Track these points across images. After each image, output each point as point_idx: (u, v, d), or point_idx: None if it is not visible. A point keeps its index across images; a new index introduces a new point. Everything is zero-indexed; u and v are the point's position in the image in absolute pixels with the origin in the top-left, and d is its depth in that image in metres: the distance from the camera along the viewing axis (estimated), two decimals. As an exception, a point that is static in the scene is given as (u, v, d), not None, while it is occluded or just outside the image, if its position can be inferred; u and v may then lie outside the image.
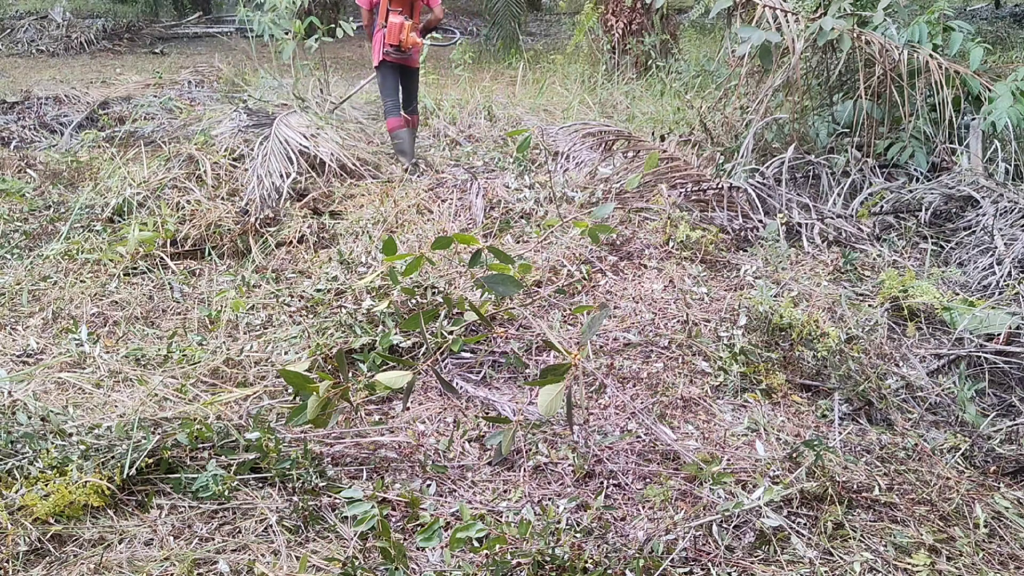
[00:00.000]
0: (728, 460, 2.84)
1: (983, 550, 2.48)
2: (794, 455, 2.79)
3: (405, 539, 2.51)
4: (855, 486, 2.72)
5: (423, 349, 3.48)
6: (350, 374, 3.25)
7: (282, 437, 2.85)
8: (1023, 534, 2.57)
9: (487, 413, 3.17)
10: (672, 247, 4.36)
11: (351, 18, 7.62)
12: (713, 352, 3.47)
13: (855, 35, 5.17)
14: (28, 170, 6.12)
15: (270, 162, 5.30)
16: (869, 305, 3.89)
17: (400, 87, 5.96)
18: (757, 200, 4.87)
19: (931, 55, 5.13)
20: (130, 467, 2.63)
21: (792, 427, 3.10)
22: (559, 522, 2.49)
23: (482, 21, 14.39)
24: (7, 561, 2.36)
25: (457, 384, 3.35)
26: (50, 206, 5.38)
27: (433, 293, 3.79)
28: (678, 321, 3.70)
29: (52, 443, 2.69)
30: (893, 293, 3.86)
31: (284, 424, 2.95)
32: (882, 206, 4.92)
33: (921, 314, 3.83)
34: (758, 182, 5.03)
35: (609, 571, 2.30)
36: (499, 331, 3.64)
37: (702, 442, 2.98)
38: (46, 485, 2.53)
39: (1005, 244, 4.26)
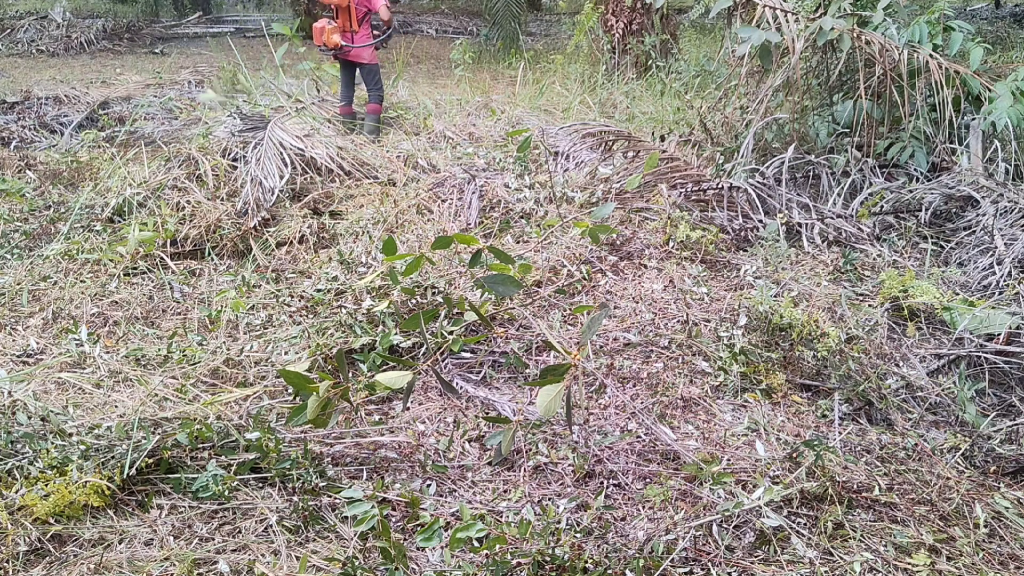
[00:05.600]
0: (728, 460, 2.84)
1: (983, 550, 2.48)
2: (794, 455, 2.79)
3: (405, 539, 2.51)
4: (855, 486, 2.72)
5: (423, 349, 3.48)
6: (350, 374, 3.25)
7: (282, 437, 2.85)
8: (1023, 534, 2.57)
9: (487, 413, 3.17)
10: (672, 247, 4.36)
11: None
12: (713, 352, 3.47)
13: (855, 35, 5.16)
14: (28, 170, 6.13)
15: (264, 165, 5.30)
16: (869, 305, 3.89)
17: (352, 81, 7.03)
18: (757, 200, 4.87)
19: (931, 55, 5.13)
20: (130, 467, 2.63)
21: (792, 427, 3.10)
22: (559, 522, 2.49)
23: (482, 21, 14.39)
24: (7, 561, 2.36)
25: (457, 384, 3.35)
26: (50, 206, 5.39)
27: (433, 293, 3.79)
28: (678, 321, 3.70)
29: (52, 443, 2.69)
30: (893, 293, 3.86)
31: (284, 424, 2.95)
32: (882, 206, 4.92)
33: (921, 314, 3.83)
34: (758, 182, 5.03)
35: (609, 571, 2.30)
36: (499, 331, 3.64)
37: (702, 442, 2.98)
38: (46, 485, 2.53)
39: (1005, 244, 4.26)
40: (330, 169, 5.47)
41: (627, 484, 2.76)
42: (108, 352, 3.53)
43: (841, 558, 2.42)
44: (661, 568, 2.32)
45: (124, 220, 5.00)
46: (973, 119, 5.17)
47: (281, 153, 5.44)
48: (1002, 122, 4.83)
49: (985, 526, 2.56)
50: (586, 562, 2.32)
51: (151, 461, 2.71)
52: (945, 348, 3.63)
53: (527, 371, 3.41)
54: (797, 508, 2.61)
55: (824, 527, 2.52)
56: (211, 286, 4.32)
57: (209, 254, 4.70)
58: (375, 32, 6.96)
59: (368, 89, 7.01)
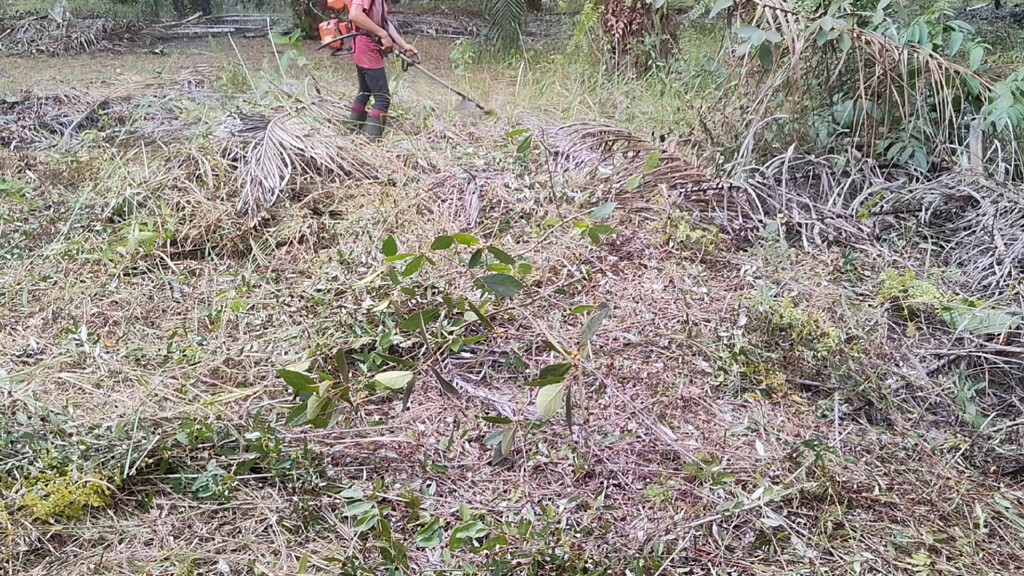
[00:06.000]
0: (728, 460, 2.84)
1: (983, 550, 2.48)
2: (794, 455, 2.79)
3: (405, 539, 2.51)
4: (855, 486, 2.72)
5: (423, 349, 3.48)
6: (350, 374, 3.25)
7: (282, 437, 2.85)
8: (1023, 534, 2.57)
9: (487, 413, 3.17)
10: (672, 247, 4.36)
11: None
12: (713, 352, 3.47)
13: (855, 35, 5.16)
14: (28, 170, 6.13)
15: (264, 165, 5.30)
16: (869, 305, 3.89)
17: (366, 83, 7.07)
18: (757, 200, 4.87)
19: (931, 55, 5.13)
20: (130, 467, 2.63)
21: (792, 427, 3.10)
22: (559, 522, 2.49)
23: (482, 21, 14.39)
24: (7, 561, 2.36)
25: (457, 384, 3.35)
26: (50, 206, 5.39)
27: (433, 293, 3.79)
28: (678, 321, 3.70)
29: (52, 443, 2.69)
30: (893, 293, 3.86)
31: (284, 424, 2.95)
32: (882, 206, 4.92)
33: (921, 314, 3.83)
34: (758, 182, 5.03)
35: (609, 571, 2.30)
36: (499, 331, 3.64)
37: (702, 442, 2.98)
38: (46, 485, 2.53)
39: (1005, 244, 4.26)
40: (330, 169, 5.47)
41: (627, 484, 2.76)
42: (108, 352, 3.53)
43: (841, 558, 2.42)
44: (661, 568, 2.32)
45: (124, 220, 5.00)
46: (973, 119, 5.17)
47: (281, 153, 5.43)
48: (1002, 122, 4.83)
49: (985, 526, 2.57)
50: (586, 562, 2.32)
51: (151, 461, 2.71)
52: (945, 348, 3.63)
53: (527, 371, 3.41)
54: (797, 508, 2.61)
55: (824, 527, 2.52)
56: (211, 286, 4.32)
57: (209, 254, 4.70)
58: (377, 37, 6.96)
59: (372, 94, 7.02)
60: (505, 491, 2.76)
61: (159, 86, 9.82)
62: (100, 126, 7.60)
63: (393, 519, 2.60)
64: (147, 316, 4.01)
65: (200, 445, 2.81)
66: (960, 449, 2.98)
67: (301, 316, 3.78)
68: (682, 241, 4.33)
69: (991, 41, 10.74)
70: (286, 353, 3.47)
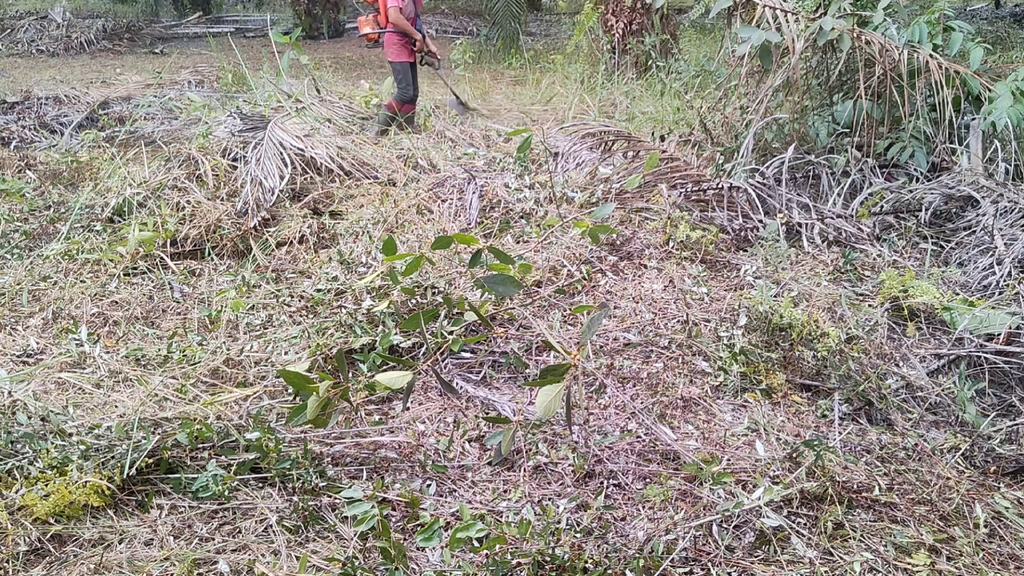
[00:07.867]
0: (728, 460, 2.84)
1: (983, 550, 2.48)
2: (794, 455, 2.79)
3: (405, 539, 2.51)
4: (855, 486, 2.72)
5: (423, 349, 3.48)
6: (350, 374, 3.25)
7: (282, 437, 2.85)
8: (1023, 534, 2.57)
9: (487, 413, 3.17)
10: (672, 247, 4.36)
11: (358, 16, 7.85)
12: (713, 352, 3.47)
13: (855, 35, 5.16)
14: (28, 170, 6.13)
15: (264, 165, 5.30)
16: (869, 305, 3.89)
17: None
18: (757, 200, 4.87)
19: (931, 55, 5.13)
20: (130, 467, 2.63)
21: (792, 427, 3.10)
22: (559, 522, 2.49)
23: (482, 21, 14.39)
24: (7, 561, 2.36)
25: (457, 384, 3.35)
26: (50, 206, 5.39)
27: (433, 293, 3.79)
28: (678, 321, 3.70)
29: (52, 443, 2.69)
30: (893, 293, 3.86)
31: (284, 424, 2.95)
32: (882, 206, 4.91)
33: (921, 314, 3.83)
34: (758, 182, 5.03)
35: (609, 571, 2.30)
36: (499, 331, 3.64)
37: (702, 442, 2.98)
38: (46, 485, 2.53)
39: (1005, 244, 4.26)
40: (330, 169, 5.47)
41: (627, 484, 2.76)
42: (108, 352, 3.53)
43: (841, 558, 2.42)
44: (661, 568, 2.32)
45: (124, 220, 5.00)
46: (973, 119, 5.17)
47: (281, 153, 5.43)
48: (1002, 122, 4.83)
49: (985, 526, 2.56)
50: (586, 562, 2.32)
51: (151, 461, 2.71)
52: (945, 348, 3.63)
53: (527, 371, 3.41)
54: (797, 508, 2.61)
55: (824, 527, 2.52)
56: (211, 286, 4.32)
57: (209, 254, 4.70)
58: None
59: (396, 86, 7.13)
60: (505, 491, 2.76)
61: (159, 86, 9.82)
62: (100, 126, 7.60)
63: (393, 519, 2.60)
64: (147, 316, 4.01)
65: (200, 445, 2.81)
66: (960, 449, 2.98)
67: (301, 316, 3.78)
68: (682, 241, 4.33)
69: (991, 41, 10.74)
70: (286, 353, 3.47)
